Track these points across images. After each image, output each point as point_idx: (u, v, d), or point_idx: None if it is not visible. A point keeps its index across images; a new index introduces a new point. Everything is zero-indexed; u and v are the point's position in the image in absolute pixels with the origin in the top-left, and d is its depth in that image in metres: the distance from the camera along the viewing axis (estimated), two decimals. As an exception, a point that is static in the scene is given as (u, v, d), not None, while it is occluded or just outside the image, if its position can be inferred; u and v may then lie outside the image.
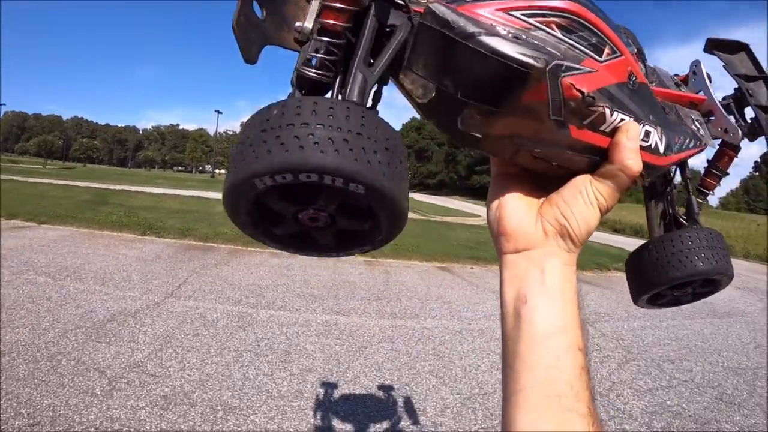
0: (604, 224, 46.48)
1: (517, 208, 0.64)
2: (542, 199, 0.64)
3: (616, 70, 0.59)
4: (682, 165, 0.85)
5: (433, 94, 0.56)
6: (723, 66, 0.90)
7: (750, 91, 0.85)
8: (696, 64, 0.90)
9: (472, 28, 0.51)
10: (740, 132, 0.83)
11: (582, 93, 0.55)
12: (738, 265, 16.47)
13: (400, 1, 0.55)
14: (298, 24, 0.52)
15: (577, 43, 0.57)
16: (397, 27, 0.55)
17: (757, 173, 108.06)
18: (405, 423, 4.20)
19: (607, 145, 0.60)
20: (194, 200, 19.81)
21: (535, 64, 0.51)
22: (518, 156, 0.61)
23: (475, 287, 9.18)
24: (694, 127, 0.75)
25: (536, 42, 0.53)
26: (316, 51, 0.54)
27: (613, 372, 5.74)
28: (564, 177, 0.63)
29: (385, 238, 0.55)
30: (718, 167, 0.88)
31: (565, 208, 0.60)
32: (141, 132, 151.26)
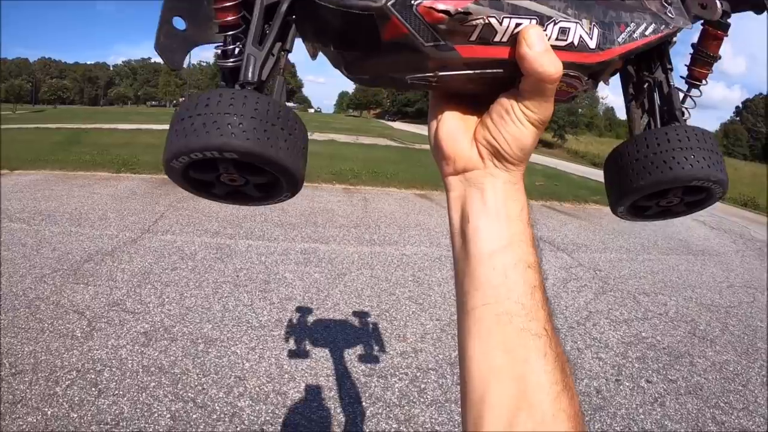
0: (583, 158, 46.69)
1: (453, 130, 0.60)
2: (478, 120, 0.60)
3: None
4: (661, 56, 0.71)
5: (319, 52, 0.60)
6: None
7: None
8: None
9: None
10: (718, 3, 0.69)
11: (447, 12, 0.51)
12: (713, 206, 16.65)
13: None
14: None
15: None
16: (280, 3, 0.57)
17: (738, 118, 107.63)
18: (385, 349, 4.20)
19: (510, 55, 0.54)
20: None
21: (372, 4, 0.51)
22: (429, 88, 0.59)
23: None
24: (655, 9, 0.62)
25: None
26: (225, 44, 0.58)
27: (589, 302, 5.78)
28: (496, 93, 0.57)
29: (291, 184, 0.57)
30: (704, 52, 0.73)
31: (494, 130, 0.56)
32: (111, 68, 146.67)
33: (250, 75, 0.55)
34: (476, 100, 0.60)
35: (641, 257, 8.17)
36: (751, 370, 4.55)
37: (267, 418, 3.23)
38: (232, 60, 0.57)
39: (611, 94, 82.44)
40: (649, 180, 0.65)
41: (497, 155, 0.57)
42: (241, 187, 0.57)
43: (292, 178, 0.54)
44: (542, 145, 59.06)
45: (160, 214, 7.82)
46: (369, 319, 4.64)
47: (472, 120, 0.60)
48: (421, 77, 0.56)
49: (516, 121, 0.55)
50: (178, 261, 5.76)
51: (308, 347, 4.06)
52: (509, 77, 0.55)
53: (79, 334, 4.01)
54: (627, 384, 4.07)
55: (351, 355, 4.02)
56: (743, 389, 4.20)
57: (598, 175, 20.11)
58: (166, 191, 9.48)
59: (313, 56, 0.63)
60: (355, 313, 4.73)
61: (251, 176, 0.55)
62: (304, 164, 0.56)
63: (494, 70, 0.55)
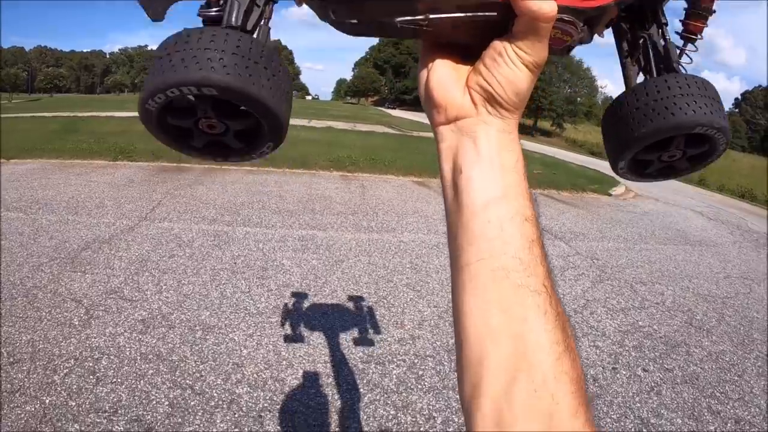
0: (582, 147, 46.56)
1: (444, 78, 0.58)
2: (470, 69, 0.57)
3: None
4: (655, 12, 0.69)
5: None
6: None
7: None
8: None
9: None
10: None
11: None
12: (711, 197, 16.58)
13: None
14: None
15: None
16: None
17: (737, 110, 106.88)
18: (383, 336, 4.21)
19: None
20: (166, 122, 19.15)
21: None
22: (418, 33, 0.57)
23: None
24: None
25: None
26: None
27: (587, 290, 5.79)
28: (488, 41, 0.56)
29: (273, 130, 0.54)
30: (698, 5, 0.72)
31: (487, 73, 0.54)
32: (108, 56, 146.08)
33: (233, 19, 0.54)
34: (468, 52, 0.58)
35: (639, 246, 8.18)
36: (746, 361, 4.57)
37: (265, 404, 3.23)
38: (215, 9, 0.56)
39: (610, 83, 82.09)
40: (651, 127, 0.63)
41: (491, 100, 0.54)
42: (220, 136, 0.55)
43: (274, 121, 0.52)
44: (540, 133, 59.06)
45: (157, 202, 7.80)
46: (367, 305, 4.64)
47: (464, 69, 0.58)
48: (411, 20, 0.54)
49: (510, 63, 0.53)
50: (176, 248, 5.75)
51: (306, 334, 4.06)
52: (501, 21, 0.53)
53: (76, 323, 4.01)
54: (624, 372, 4.08)
55: (349, 341, 4.02)
56: (739, 379, 4.22)
57: (596, 164, 20.10)
58: (164, 179, 9.47)
59: (299, 3, 0.61)
60: (352, 300, 4.73)
61: (231, 120, 0.53)
62: (288, 109, 0.54)
63: (486, 13, 0.53)
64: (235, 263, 5.41)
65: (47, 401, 3.09)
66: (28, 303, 4.29)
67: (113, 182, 9.15)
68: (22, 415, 2.96)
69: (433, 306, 4.78)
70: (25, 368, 3.41)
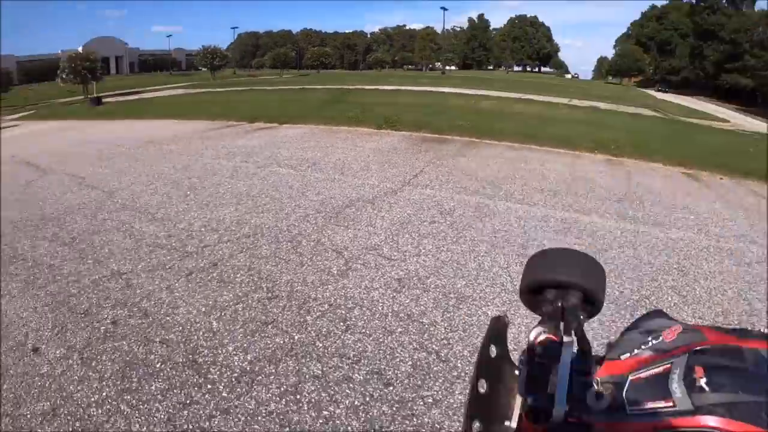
0: None
1: None
2: None
3: None
4: None
5: None
6: None
7: None
8: None
9: None
10: None
11: None
12: None
13: None
14: None
15: None
16: None
17: None
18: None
19: None
20: (427, 95, 20.14)
21: None
22: None
23: (726, 201, 7.82)
24: None
25: None
26: None
27: None
28: None
29: None
30: None
31: None
32: (369, 36, 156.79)
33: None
34: None
35: None
36: None
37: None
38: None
39: None
40: None
41: None
42: None
43: None
44: None
45: (420, 170, 8.10)
46: (627, 303, 4.19)
47: None
48: None
49: None
50: (437, 215, 5.87)
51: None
52: None
53: (335, 271, 4.27)
54: None
55: (604, 337, 3.68)
56: None
57: None
58: (426, 148, 9.82)
59: None
60: (613, 293, 4.31)
61: None
62: None
63: None
64: (495, 237, 5.32)
65: (296, 338, 3.34)
66: (292, 248, 4.69)
67: (378, 148, 9.73)
68: (271, 345, 3.25)
69: (698, 317, 4.17)
70: (281, 305, 3.74)
